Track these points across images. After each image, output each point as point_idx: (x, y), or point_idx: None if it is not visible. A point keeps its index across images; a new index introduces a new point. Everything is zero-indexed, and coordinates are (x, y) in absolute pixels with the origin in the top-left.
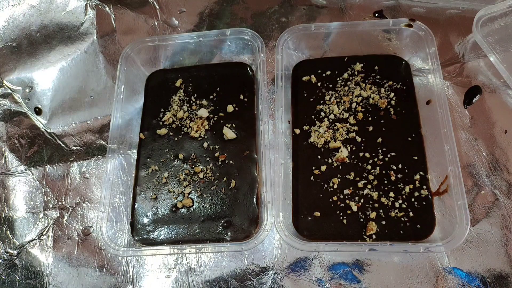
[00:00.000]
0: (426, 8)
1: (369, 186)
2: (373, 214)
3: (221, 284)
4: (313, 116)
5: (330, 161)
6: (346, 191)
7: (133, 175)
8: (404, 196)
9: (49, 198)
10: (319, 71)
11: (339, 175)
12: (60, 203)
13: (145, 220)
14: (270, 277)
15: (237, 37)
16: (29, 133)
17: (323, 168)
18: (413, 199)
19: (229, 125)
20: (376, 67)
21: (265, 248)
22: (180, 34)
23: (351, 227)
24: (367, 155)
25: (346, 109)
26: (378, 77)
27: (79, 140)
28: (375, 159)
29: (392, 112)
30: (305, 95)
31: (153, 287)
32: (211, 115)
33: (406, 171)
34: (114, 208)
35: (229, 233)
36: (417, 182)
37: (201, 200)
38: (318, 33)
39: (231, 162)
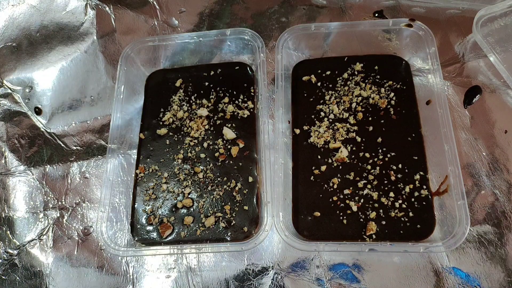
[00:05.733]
0: (426, 8)
1: (369, 186)
2: (373, 214)
3: (221, 284)
4: (313, 116)
5: (330, 161)
6: (346, 191)
7: (133, 175)
8: (404, 196)
9: (49, 198)
10: (319, 71)
11: (339, 175)
12: (60, 203)
13: (145, 220)
14: (270, 277)
15: (237, 37)
16: (29, 133)
17: (323, 168)
18: (413, 199)
19: (229, 125)
20: (376, 67)
21: (265, 248)
22: (180, 34)
23: (351, 227)
24: (367, 155)
25: (346, 109)
26: (378, 77)
27: (79, 140)
28: (375, 159)
29: (392, 112)
30: (305, 95)
31: (153, 287)
32: (211, 115)
33: (406, 171)
34: (114, 208)
35: (229, 233)
36: (417, 182)
37: (201, 200)
38: (318, 33)
39: (231, 162)
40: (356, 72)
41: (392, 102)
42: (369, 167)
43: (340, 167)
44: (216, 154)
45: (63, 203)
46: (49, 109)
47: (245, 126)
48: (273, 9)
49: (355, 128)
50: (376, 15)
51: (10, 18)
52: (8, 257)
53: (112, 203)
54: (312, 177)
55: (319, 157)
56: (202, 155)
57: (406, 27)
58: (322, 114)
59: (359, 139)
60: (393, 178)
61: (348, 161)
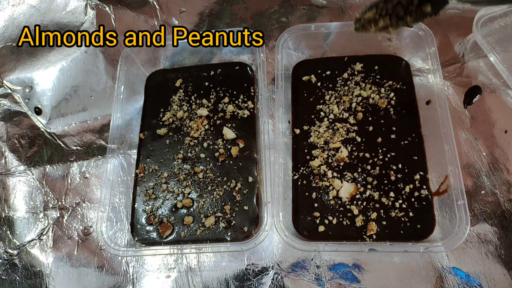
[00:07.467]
0: None
1: (369, 187)
2: (374, 215)
3: (221, 284)
4: (313, 116)
5: (330, 161)
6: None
7: (133, 175)
8: (404, 196)
9: (49, 198)
10: (319, 71)
11: (339, 175)
12: (60, 203)
13: (145, 220)
14: (270, 277)
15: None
16: (29, 133)
17: (323, 168)
18: (413, 199)
19: (229, 125)
20: (376, 67)
21: (265, 248)
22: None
23: (351, 227)
24: (367, 155)
25: (346, 109)
26: (378, 77)
27: (79, 140)
28: (375, 159)
29: (392, 112)
30: (305, 95)
31: (153, 287)
32: (211, 115)
33: (406, 171)
34: (114, 208)
35: (229, 233)
36: (417, 182)
37: (201, 200)
38: (318, 33)
39: (231, 162)
40: (356, 72)
41: (392, 102)
42: (369, 167)
43: (340, 167)
44: (216, 154)
45: (63, 203)
46: (49, 109)
47: (245, 126)
48: (273, 9)
49: (355, 128)
50: None
51: (10, 18)
52: (8, 257)
53: (112, 203)
54: (312, 177)
55: (319, 157)
56: (202, 155)
57: (406, 27)
58: (322, 114)
59: (359, 139)
60: (393, 178)
61: (348, 161)
